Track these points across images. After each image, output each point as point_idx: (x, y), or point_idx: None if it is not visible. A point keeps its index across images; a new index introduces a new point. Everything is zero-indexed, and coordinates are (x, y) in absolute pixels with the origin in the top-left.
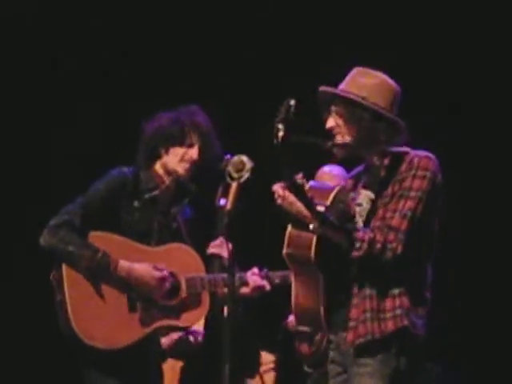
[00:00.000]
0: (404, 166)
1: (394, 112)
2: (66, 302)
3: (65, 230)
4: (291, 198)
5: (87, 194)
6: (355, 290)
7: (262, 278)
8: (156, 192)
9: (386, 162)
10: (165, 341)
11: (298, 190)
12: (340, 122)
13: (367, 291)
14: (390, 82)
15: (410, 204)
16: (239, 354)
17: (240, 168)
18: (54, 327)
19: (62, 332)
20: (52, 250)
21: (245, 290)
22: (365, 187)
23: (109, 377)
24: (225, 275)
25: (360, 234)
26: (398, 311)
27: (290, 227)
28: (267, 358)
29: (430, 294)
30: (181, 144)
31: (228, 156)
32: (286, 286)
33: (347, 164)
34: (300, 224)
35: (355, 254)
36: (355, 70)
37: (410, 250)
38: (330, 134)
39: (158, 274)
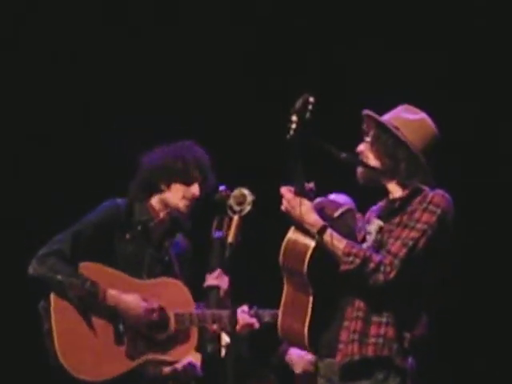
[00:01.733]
0: (417, 199)
1: (424, 151)
2: (52, 331)
3: (54, 259)
4: (297, 200)
5: (78, 223)
6: (346, 311)
7: (251, 316)
8: (150, 224)
9: (403, 194)
10: (167, 369)
11: (305, 193)
12: (368, 146)
13: (355, 313)
14: (429, 123)
15: (413, 234)
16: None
17: (241, 201)
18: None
19: (50, 363)
20: (41, 278)
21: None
22: (378, 216)
23: None
24: (214, 311)
25: (355, 250)
26: (380, 340)
27: (288, 234)
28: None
29: (421, 336)
30: (184, 181)
31: (222, 187)
32: (276, 323)
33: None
34: (302, 230)
35: (345, 267)
36: (403, 106)
37: (405, 282)
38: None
39: (145, 304)
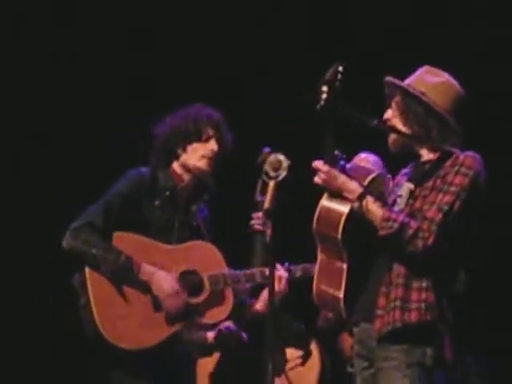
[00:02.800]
0: (449, 163)
1: (453, 113)
2: (91, 304)
3: (87, 232)
4: (333, 171)
5: (107, 194)
6: (384, 277)
7: (285, 271)
8: (177, 189)
9: (434, 157)
10: (210, 334)
11: (336, 163)
12: (396, 113)
13: (395, 280)
14: (454, 83)
15: (448, 198)
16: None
17: (277, 166)
18: (76, 331)
19: (88, 335)
20: (74, 252)
21: (259, 305)
22: (408, 180)
23: (136, 378)
24: (246, 271)
25: (394, 215)
26: (423, 305)
27: (322, 202)
28: (293, 354)
29: (460, 297)
30: (199, 140)
31: (266, 149)
32: (308, 277)
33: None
34: (336, 197)
35: (383, 232)
36: (423, 68)
37: (443, 246)
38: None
39: (177, 287)
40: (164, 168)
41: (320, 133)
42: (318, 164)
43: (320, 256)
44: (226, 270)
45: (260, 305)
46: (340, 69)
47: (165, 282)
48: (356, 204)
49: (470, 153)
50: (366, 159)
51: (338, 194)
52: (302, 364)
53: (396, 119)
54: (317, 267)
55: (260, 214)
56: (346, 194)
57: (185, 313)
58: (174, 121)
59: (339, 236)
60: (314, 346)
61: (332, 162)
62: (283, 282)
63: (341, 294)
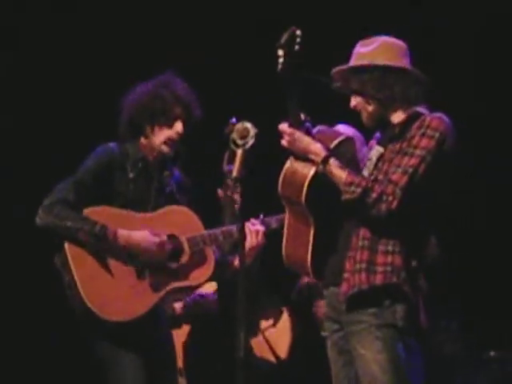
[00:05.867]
0: (416, 125)
1: (404, 61)
2: (75, 281)
3: (60, 207)
4: (298, 133)
5: (78, 171)
6: (350, 240)
7: (260, 223)
8: (148, 160)
9: (402, 119)
10: (177, 305)
11: (301, 125)
12: (358, 98)
13: (361, 242)
14: (392, 40)
15: (413, 161)
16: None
17: (244, 135)
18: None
19: (75, 311)
20: (49, 227)
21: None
22: (378, 143)
23: (125, 348)
24: (223, 228)
25: (357, 180)
26: (389, 268)
27: (287, 164)
28: (267, 317)
29: (429, 262)
30: (165, 122)
31: (233, 120)
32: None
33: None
34: (300, 160)
35: (346, 196)
36: (356, 45)
37: (409, 209)
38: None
39: (156, 239)
40: (132, 141)
41: (284, 97)
42: (282, 126)
43: (288, 218)
44: (203, 231)
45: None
46: (297, 32)
47: (143, 238)
48: (320, 167)
49: (437, 114)
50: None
51: (303, 157)
52: (274, 326)
53: (359, 99)
54: (285, 230)
55: (228, 183)
56: (310, 157)
57: (168, 275)
58: (142, 96)
59: (303, 199)
60: (285, 312)
61: (297, 125)
62: (260, 235)
63: (308, 257)
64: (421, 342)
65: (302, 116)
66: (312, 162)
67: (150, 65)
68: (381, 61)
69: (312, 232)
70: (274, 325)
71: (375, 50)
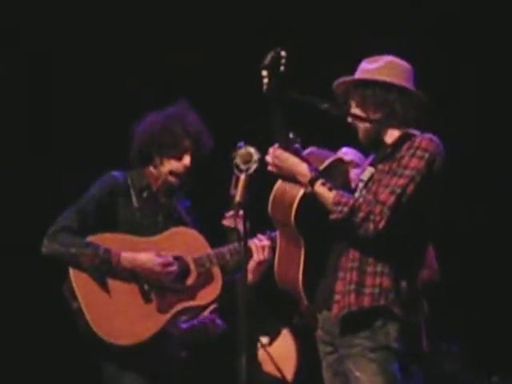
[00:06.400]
0: (406, 145)
1: (407, 81)
2: (82, 308)
3: (64, 235)
4: (285, 154)
5: (81, 199)
6: (341, 262)
7: (267, 239)
8: (153, 189)
9: (394, 140)
10: (186, 326)
11: (290, 146)
12: (357, 111)
13: (350, 264)
14: (398, 61)
15: (402, 182)
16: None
17: (248, 159)
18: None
19: (85, 337)
20: (54, 255)
21: (251, 263)
22: (371, 164)
23: (130, 371)
24: (229, 246)
25: (344, 199)
26: (376, 290)
27: (276, 186)
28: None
29: (423, 275)
30: (174, 155)
31: (241, 144)
32: None
33: None
34: (290, 181)
35: (333, 216)
36: (362, 62)
37: (397, 229)
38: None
39: (161, 260)
40: (138, 169)
41: (271, 118)
42: (270, 150)
43: (279, 239)
44: (209, 250)
45: (249, 276)
46: (282, 53)
47: (149, 260)
48: (308, 188)
49: (427, 135)
50: (345, 154)
51: (289, 178)
52: (280, 347)
53: (357, 111)
54: (277, 252)
55: (230, 212)
56: (297, 178)
57: (175, 296)
58: (152, 127)
59: (292, 220)
60: (289, 334)
61: (285, 146)
62: (266, 250)
63: (299, 279)
64: (422, 366)
65: (291, 136)
66: (299, 183)
67: (150, 64)
68: (385, 78)
69: (303, 253)
70: (280, 346)
71: (381, 68)
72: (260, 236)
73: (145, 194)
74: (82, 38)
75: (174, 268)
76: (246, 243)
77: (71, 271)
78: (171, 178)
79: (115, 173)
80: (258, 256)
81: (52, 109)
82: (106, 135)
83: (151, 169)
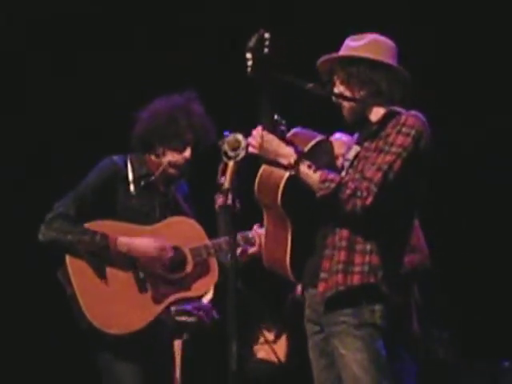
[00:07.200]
0: (392, 123)
1: (392, 59)
2: (76, 295)
3: (60, 222)
4: (269, 136)
5: (78, 186)
6: (328, 240)
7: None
8: (151, 178)
9: (379, 118)
10: (182, 318)
11: (275, 128)
12: (342, 88)
13: (338, 243)
14: (383, 39)
15: (388, 159)
16: (244, 326)
17: (236, 146)
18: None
19: (78, 324)
20: (51, 242)
21: (252, 249)
22: (356, 142)
23: (125, 360)
24: (227, 237)
25: (331, 176)
26: (366, 267)
27: (261, 169)
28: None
29: (413, 260)
30: (176, 146)
31: (226, 133)
32: None
33: None
34: (275, 164)
35: (321, 193)
36: (346, 39)
37: (385, 207)
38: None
39: (157, 244)
40: (140, 155)
41: (256, 101)
42: (254, 130)
43: (266, 222)
44: (207, 241)
45: (253, 249)
46: (266, 35)
47: (145, 243)
48: (292, 170)
49: (412, 112)
50: (339, 139)
51: (274, 161)
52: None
53: (347, 92)
54: (264, 234)
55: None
56: (281, 160)
57: (170, 286)
58: (157, 115)
59: (279, 201)
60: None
61: (271, 128)
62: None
63: (287, 260)
64: (412, 348)
65: (276, 118)
66: (284, 165)
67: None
68: (370, 56)
69: (290, 234)
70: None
71: (365, 45)
72: (256, 227)
73: (143, 182)
74: (82, 38)
75: (169, 254)
76: (234, 230)
77: (67, 257)
78: (171, 170)
79: (115, 157)
80: (258, 248)
81: (52, 109)
82: (106, 135)
83: (152, 157)
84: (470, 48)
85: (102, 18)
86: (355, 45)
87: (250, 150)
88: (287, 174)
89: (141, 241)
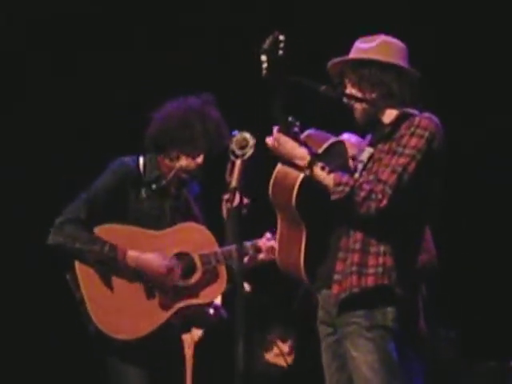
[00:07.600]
0: (405, 124)
1: (403, 61)
2: (84, 300)
3: (71, 227)
4: (283, 138)
5: (91, 188)
6: (341, 243)
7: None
8: (162, 182)
9: (392, 119)
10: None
11: (289, 130)
12: (353, 90)
13: (352, 245)
14: (393, 40)
15: (402, 161)
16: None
17: (243, 145)
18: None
19: (87, 328)
20: (60, 248)
21: (261, 256)
22: (369, 144)
23: (131, 364)
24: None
25: (345, 179)
26: (380, 269)
27: (276, 170)
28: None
29: (421, 259)
30: (189, 152)
31: (235, 132)
32: None
33: None
34: (289, 165)
35: (336, 196)
36: (356, 42)
37: (399, 209)
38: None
39: (166, 261)
40: (151, 157)
41: (270, 103)
42: (274, 131)
43: (280, 224)
44: (217, 248)
45: (263, 254)
46: (280, 37)
47: (153, 260)
48: (307, 171)
49: (426, 114)
50: (347, 141)
51: (289, 162)
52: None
53: (354, 92)
54: (278, 236)
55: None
56: (295, 162)
57: (179, 293)
58: (172, 117)
59: (293, 204)
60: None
61: (285, 130)
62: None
63: (301, 262)
64: (420, 348)
65: (290, 120)
66: (298, 167)
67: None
68: (381, 58)
69: (304, 236)
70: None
71: (376, 47)
72: (268, 235)
73: (155, 186)
74: (82, 38)
75: (178, 271)
76: (241, 230)
77: (76, 262)
78: (183, 174)
79: (126, 159)
80: (266, 255)
81: (52, 109)
82: (106, 135)
83: (166, 160)
84: (469, 48)
85: (102, 18)
86: (366, 47)
87: (268, 147)
88: (302, 175)
89: (150, 258)
